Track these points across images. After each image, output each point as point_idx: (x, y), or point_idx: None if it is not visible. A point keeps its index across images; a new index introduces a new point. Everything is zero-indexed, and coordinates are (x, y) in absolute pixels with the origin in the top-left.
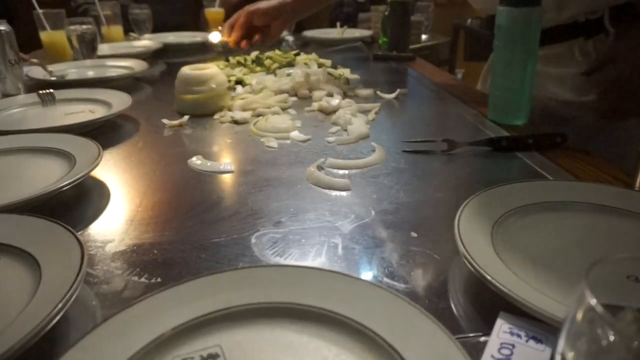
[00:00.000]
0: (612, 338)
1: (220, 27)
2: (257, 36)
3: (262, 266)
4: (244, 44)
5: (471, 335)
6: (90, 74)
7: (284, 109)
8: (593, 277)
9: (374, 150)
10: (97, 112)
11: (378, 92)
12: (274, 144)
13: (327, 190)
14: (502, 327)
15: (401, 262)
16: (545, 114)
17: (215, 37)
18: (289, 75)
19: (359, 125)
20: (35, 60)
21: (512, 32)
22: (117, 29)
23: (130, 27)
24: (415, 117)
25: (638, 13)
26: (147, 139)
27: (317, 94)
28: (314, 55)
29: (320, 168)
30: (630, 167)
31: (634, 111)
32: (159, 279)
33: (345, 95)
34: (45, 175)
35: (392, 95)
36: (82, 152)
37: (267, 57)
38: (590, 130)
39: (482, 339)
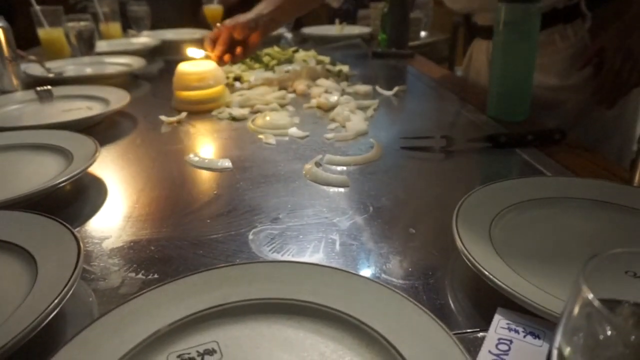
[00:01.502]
0: (609, 332)
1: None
2: (239, 49)
3: (259, 262)
4: (227, 57)
5: (469, 330)
6: (88, 70)
7: (282, 106)
8: (590, 272)
9: (372, 147)
10: (94, 109)
11: (377, 89)
12: (272, 140)
13: (325, 187)
14: (499, 323)
15: (399, 258)
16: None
17: (196, 53)
18: (287, 72)
19: (357, 121)
20: (33, 57)
21: (511, 28)
22: (115, 26)
23: (129, 24)
24: (414, 113)
25: None
26: (145, 136)
27: (315, 90)
28: (312, 52)
29: (318, 164)
30: (605, 153)
31: (623, 97)
32: (155, 275)
33: (343, 92)
34: (43, 172)
35: (391, 92)
36: (79, 148)
37: (266, 54)
38: (571, 118)
39: (480, 334)
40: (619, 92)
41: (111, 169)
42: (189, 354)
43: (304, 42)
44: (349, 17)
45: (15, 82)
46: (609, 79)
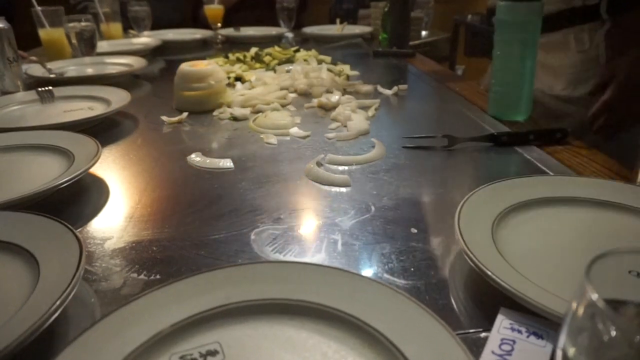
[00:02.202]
0: (613, 333)
1: (219, 24)
2: None
3: (261, 262)
4: None
5: (472, 331)
6: (89, 71)
7: (283, 106)
8: (594, 272)
9: (373, 147)
10: (96, 110)
11: (378, 88)
12: (273, 140)
13: (326, 187)
14: (502, 323)
15: (401, 258)
16: (536, 107)
17: None
18: (288, 71)
19: (358, 121)
20: (34, 58)
21: (512, 27)
22: (116, 26)
23: (129, 25)
24: (415, 113)
25: (636, 1)
26: (146, 136)
27: (316, 90)
28: (313, 52)
29: (319, 164)
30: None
31: (622, 129)
32: (157, 276)
33: (345, 92)
34: (44, 173)
35: (392, 92)
36: (80, 149)
37: (267, 54)
38: (577, 132)
39: (483, 334)
40: (617, 126)
41: (113, 169)
42: (191, 354)
43: (304, 41)
44: (349, 17)
45: (16, 82)
46: (601, 111)
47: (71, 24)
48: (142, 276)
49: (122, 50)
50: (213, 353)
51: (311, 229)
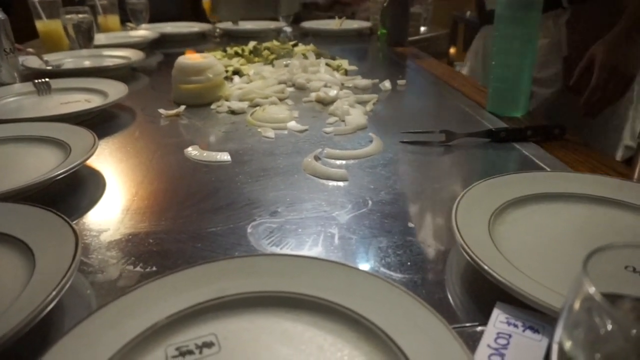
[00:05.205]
0: (609, 327)
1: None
2: None
3: (257, 255)
4: None
5: (468, 325)
6: (87, 63)
7: (281, 100)
8: (591, 266)
9: (371, 141)
10: (93, 102)
11: (376, 83)
12: (271, 134)
13: (324, 181)
14: (498, 317)
15: (398, 252)
16: None
17: None
18: (286, 65)
19: (356, 116)
20: (31, 50)
21: (511, 23)
22: (114, 19)
23: (127, 17)
24: (413, 108)
25: None
26: (143, 129)
27: (314, 84)
28: (312, 46)
29: (317, 158)
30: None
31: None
32: (154, 268)
33: (343, 86)
34: (41, 164)
35: (390, 87)
36: (77, 141)
37: (265, 48)
38: (539, 112)
39: (479, 328)
40: (602, 105)
41: (109, 161)
42: (187, 346)
43: (303, 36)
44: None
45: (13, 74)
46: (594, 95)
47: (68, 16)
48: (138, 268)
49: (120, 43)
50: (209, 345)
51: (308, 222)
